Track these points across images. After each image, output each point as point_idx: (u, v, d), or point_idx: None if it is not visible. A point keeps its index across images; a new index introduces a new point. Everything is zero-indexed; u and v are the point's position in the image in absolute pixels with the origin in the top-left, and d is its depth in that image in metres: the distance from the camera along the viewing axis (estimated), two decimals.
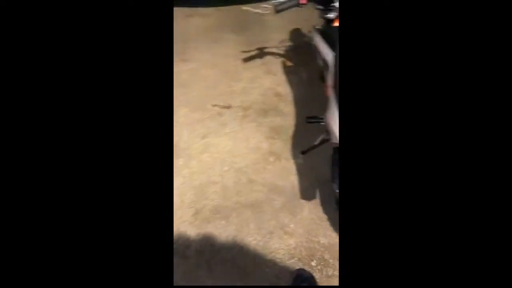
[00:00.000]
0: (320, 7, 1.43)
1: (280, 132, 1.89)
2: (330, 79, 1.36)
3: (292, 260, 1.34)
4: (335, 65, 1.30)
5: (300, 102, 2.04)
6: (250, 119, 1.99)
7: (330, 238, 1.41)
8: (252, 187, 1.63)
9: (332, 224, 1.44)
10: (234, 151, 1.81)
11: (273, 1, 1.35)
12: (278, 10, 1.33)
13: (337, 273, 1.29)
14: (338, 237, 1.40)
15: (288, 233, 1.44)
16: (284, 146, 1.81)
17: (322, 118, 1.45)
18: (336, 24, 1.43)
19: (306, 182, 1.62)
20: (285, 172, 1.68)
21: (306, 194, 1.57)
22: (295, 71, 2.23)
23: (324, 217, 1.48)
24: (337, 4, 1.37)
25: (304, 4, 1.35)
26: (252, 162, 1.74)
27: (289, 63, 2.30)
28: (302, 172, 1.67)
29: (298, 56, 2.40)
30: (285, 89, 2.12)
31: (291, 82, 2.18)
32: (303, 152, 1.70)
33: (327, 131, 1.27)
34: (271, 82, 2.24)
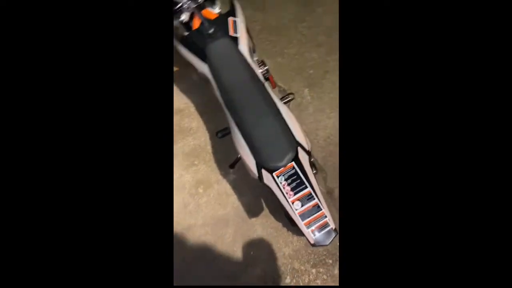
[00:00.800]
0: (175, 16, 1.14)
1: (198, 154, 1.66)
2: (218, 95, 1.14)
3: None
4: (214, 78, 1.08)
5: (203, 111, 1.78)
6: None
7: (292, 244, 1.37)
8: (194, 232, 1.43)
9: (288, 229, 1.39)
10: None
11: None
12: None
13: (312, 277, 1.29)
14: (299, 239, 1.37)
15: (251, 263, 1.34)
16: (209, 169, 1.60)
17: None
18: (197, 25, 1.17)
19: (247, 197, 1.50)
20: (223, 197, 1.52)
21: (253, 211, 1.46)
22: (184, 75, 1.90)
23: (279, 225, 1.42)
24: (185, 4, 1.10)
25: None
26: (182, 205, 1.51)
27: (175, 68, 1.94)
28: (238, 188, 1.53)
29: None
30: (182, 101, 1.82)
31: (184, 91, 1.86)
32: (232, 166, 1.53)
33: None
34: None
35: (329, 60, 1.89)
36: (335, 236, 0.92)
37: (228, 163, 1.56)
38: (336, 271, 1.31)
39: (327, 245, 0.90)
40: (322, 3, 2.06)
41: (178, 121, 1.75)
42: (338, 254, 1.35)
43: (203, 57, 1.13)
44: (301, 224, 0.91)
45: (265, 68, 1.23)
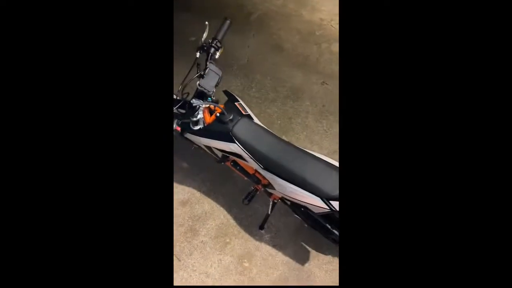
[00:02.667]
0: (187, 119, 1.31)
1: (226, 231, 1.67)
2: (252, 164, 1.30)
3: None
4: (248, 151, 1.26)
5: (208, 190, 1.84)
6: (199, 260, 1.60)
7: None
8: None
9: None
10: None
11: None
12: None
13: None
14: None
15: None
16: (242, 240, 1.63)
17: (255, 189, 1.42)
18: (208, 118, 1.36)
19: (290, 248, 1.57)
20: (269, 260, 1.54)
21: (302, 257, 1.53)
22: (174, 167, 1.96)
23: (329, 258, 1.52)
24: (201, 105, 1.30)
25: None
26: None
27: None
28: (278, 243, 1.59)
29: None
30: (183, 192, 1.84)
31: (180, 181, 1.90)
32: (261, 227, 1.61)
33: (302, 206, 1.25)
34: None
35: (287, 108, 2.29)
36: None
37: (256, 226, 1.64)
38: None
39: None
40: (256, 71, 2.54)
41: (190, 211, 1.75)
42: None
43: (229, 139, 1.30)
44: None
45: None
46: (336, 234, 1.35)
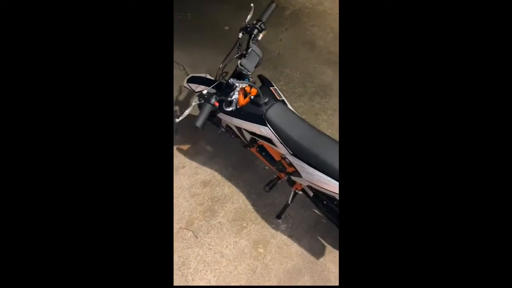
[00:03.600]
0: (223, 97, 1.34)
1: (243, 216, 1.69)
2: (281, 150, 1.31)
3: None
4: (279, 136, 1.26)
5: (229, 175, 1.87)
6: (213, 238, 1.63)
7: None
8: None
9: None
10: (225, 273, 1.46)
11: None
12: (200, 125, 1.14)
13: None
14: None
15: None
16: (259, 226, 1.64)
17: (277, 178, 1.43)
18: (242, 100, 1.38)
19: (306, 240, 1.57)
20: (284, 250, 1.55)
21: (318, 252, 1.53)
22: (198, 150, 2.00)
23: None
24: (237, 85, 1.32)
25: (216, 106, 1.22)
26: (250, 271, 1.47)
27: (186, 146, 2.02)
28: (294, 234, 1.59)
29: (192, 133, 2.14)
30: (205, 173, 1.88)
31: (203, 163, 1.93)
32: (279, 217, 1.62)
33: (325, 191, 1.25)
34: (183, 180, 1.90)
35: (314, 104, 2.27)
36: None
37: (273, 215, 1.64)
38: None
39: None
40: (286, 65, 2.53)
41: (210, 192, 1.78)
42: None
43: (262, 122, 1.31)
44: None
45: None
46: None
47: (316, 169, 1.21)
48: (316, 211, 1.60)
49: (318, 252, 1.52)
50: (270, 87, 1.40)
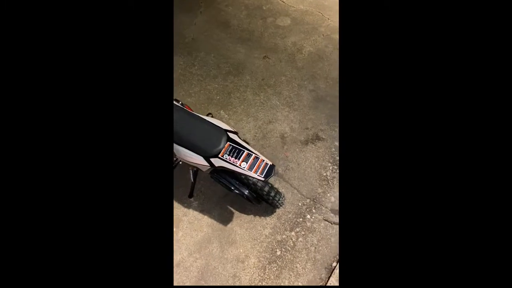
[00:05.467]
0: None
1: None
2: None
3: None
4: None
5: None
6: None
7: (268, 224, 1.61)
8: (185, 265, 1.52)
9: (257, 214, 1.63)
10: None
11: None
12: None
13: (294, 239, 1.54)
14: (271, 217, 1.61)
15: (244, 259, 1.50)
16: (174, 210, 1.74)
17: (174, 160, 1.53)
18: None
19: (216, 211, 1.68)
20: (195, 224, 1.67)
21: (226, 218, 1.65)
22: None
23: (250, 217, 1.64)
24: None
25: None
26: None
27: None
28: (205, 209, 1.71)
29: None
30: None
31: None
32: (190, 195, 1.73)
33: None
34: None
35: (227, 84, 2.34)
36: (274, 167, 1.29)
37: (185, 195, 1.75)
38: (308, 223, 1.61)
39: (272, 175, 1.25)
40: (200, 49, 2.56)
41: None
42: (303, 210, 1.66)
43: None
44: (251, 173, 1.25)
45: (180, 102, 1.57)
46: (246, 193, 1.46)
47: (180, 145, 1.32)
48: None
49: (226, 220, 1.65)
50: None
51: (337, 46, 2.43)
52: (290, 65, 2.37)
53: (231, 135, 1.36)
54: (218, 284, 1.45)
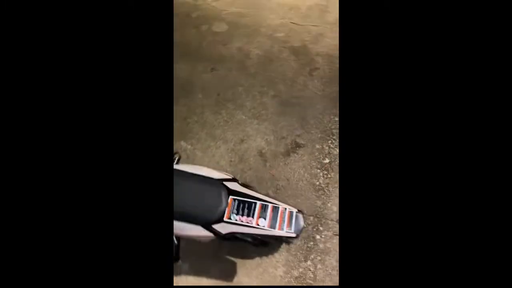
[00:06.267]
0: None
1: None
2: None
3: None
4: None
5: None
6: None
7: (278, 262, 1.38)
8: None
9: (263, 255, 1.39)
10: None
11: None
12: None
13: (312, 268, 1.35)
14: (280, 254, 1.39)
15: None
16: None
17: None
18: None
19: (213, 267, 1.38)
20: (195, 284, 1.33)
21: (228, 272, 1.37)
22: None
23: (255, 262, 1.39)
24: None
25: None
26: None
27: None
28: (199, 269, 1.39)
29: None
30: None
31: None
32: (177, 258, 1.38)
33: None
34: None
35: (179, 108, 2.00)
36: (302, 214, 1.02)
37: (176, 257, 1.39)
38: (321, 245, 1.43)
39: (305, 226, 0.98)
40: None
41: None
42: (310, 231, 1.47)
43: None
44: (276, 232, 0.95)
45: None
46: (250, 240, 1.20)
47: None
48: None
49: (230, 274, 1.36)
50: None
51: (284, 45, 2.31)
52: (243, 73, 2.16)
53: (230, 185, 1.04)
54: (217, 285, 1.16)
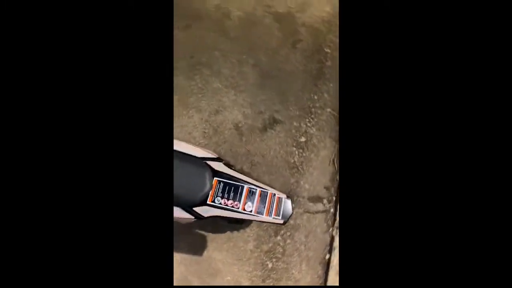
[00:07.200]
0: None
1: None
2: None
3: None
4: None
5: None
6: None
7: (249, 237, 1.40)
8: None
9: (234, 230, 1.39)
10: None
11: None
12: None
13: (282, 243, 1.39)
14: (251, 229, 1.40)
15: (236, 283, 1.29)
16: None
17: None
18: None
19: (182, 244, 1.34)
20: None
21: (198, 245, 1.34)
22: None
23: (227, 236, 1.39)
24: None
25: None
26: None
27: None
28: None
29: None
30: None
31: None
32: None
33: None
34: None
35: None
36: (290, 199, 0.98)
37: None
38: (292, 221, 1.47)
39: (293, 213, 0.96)
40: None
41: None
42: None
43: None
44: (263, 218, 0.91)
45: None
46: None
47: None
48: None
49: (200, 249, 1.35)
50: None
51: (268, 10, 2.12)
52: (222, 36, 1.96)
53: (214, 165, 0.95)
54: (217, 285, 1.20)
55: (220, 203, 0.88)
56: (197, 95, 1.74)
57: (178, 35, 1.92)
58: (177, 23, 1.95)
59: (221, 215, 0.89)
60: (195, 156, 0.94)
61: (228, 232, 1.39)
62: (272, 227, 1.43)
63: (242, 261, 1.35)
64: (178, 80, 1.76)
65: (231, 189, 0.90)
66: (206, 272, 1.31)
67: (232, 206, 0.88)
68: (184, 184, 0.87)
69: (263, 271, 1.34)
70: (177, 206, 0.87)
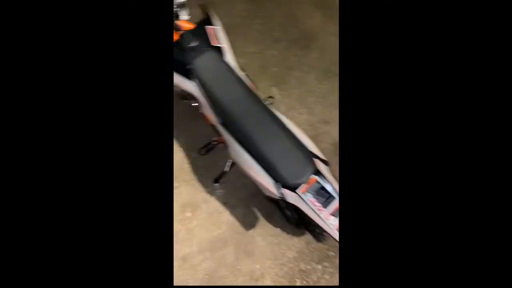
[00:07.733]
0: None
1: (176, 174, 1.51)
2: (211, 113, 1.05)
3: None
4: (206, 96, 0.98)
5: (176, 126, 1.60)
6: None
7: (294, 247, 1.39)
8: (192, 261, 1.32)
9: (288, 232, 1.40)
10: None
11: None
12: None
13: (320, 274, 1.33)
14: (300, 240, 1.38)
15: (260, 277, 1.32)
16: (191, 188, 1.48)
17: (215, 141, 1.21)
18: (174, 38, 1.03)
19: (240, 209, 1.44)
20: (214, 216, 1.43)
21: (249, 222, 1.42)
22: None
23: (277, 231, 1.41)
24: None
25: None
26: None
27: None
28: (229, 202, 1.45)
29: None
30: None
31: None
32: (217, 181, 1.45)
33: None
34: None
35: (290, 56, 1.90)
36: None
37: (211, 179, 1.47)
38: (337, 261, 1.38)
39: None
40: None
41: None
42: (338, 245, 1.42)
43: (188, 74, 1.00)
44: (337, 234, 0.88)
45: (245, 72, 1.18)
46: (289, 214, 1.20)
47: (245, 150, 0.98)
48: None
49: (249, 224, 1.41)
50: (207, 27, 1.03)
51: None
52: None
53: (320, 165, 0.96)
54: (217, 285, 1.27)
55: (307, 200, 0.90)
56: (317, 98, 1.78)
57: (331, 39, 1.97)
58: (335, 29, 2.01)
59: (301, 207, 0.90)
60: (308, 150, 0.98)
61: (279, 229, 1.41)
62: (317, 253, 1.38)
63: (277, 262, 1.36)
64: (309, 78, 1.84)
65: (323, 194, 0.90)
66: (243, 248, 1.37)
67: (318, 210, 0.89)
68: (287, 164, 0.92)
69: (289, 283, 1.32)
70: (271, 178, 0.93)
